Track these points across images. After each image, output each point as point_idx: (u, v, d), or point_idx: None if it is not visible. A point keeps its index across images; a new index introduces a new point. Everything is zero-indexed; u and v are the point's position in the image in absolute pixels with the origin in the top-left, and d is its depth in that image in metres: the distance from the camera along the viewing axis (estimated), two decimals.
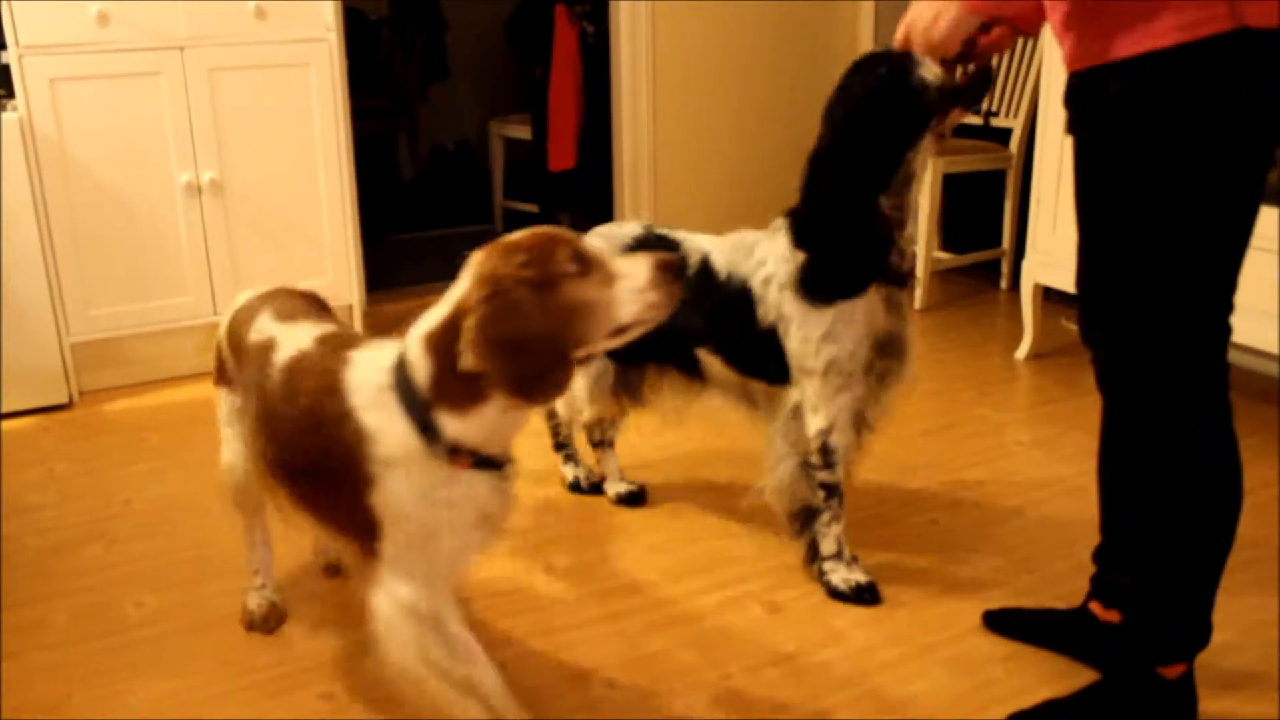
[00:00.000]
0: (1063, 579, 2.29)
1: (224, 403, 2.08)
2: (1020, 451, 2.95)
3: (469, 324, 1.49)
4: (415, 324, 1.60)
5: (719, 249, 2.26)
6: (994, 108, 4.28)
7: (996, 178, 4.25)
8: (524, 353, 1.48)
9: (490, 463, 1.60)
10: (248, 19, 3.41)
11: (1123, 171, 1.61)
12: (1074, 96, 1.69)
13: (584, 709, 1.94)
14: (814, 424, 2.17)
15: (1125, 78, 1.55)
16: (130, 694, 1.99)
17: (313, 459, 1.67)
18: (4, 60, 3.19)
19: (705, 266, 2.24)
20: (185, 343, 3.60)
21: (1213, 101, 1.51)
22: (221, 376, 2.07)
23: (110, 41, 3.26)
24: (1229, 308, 1.66)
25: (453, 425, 1.55)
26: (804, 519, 2.27)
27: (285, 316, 1.89)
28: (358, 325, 3.79)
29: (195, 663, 2.08)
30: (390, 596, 1.64)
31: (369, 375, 1.62)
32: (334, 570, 2.34)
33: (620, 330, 1.54)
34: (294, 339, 1.79)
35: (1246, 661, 2.02)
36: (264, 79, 3.49)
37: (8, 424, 3.23)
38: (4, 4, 3.11)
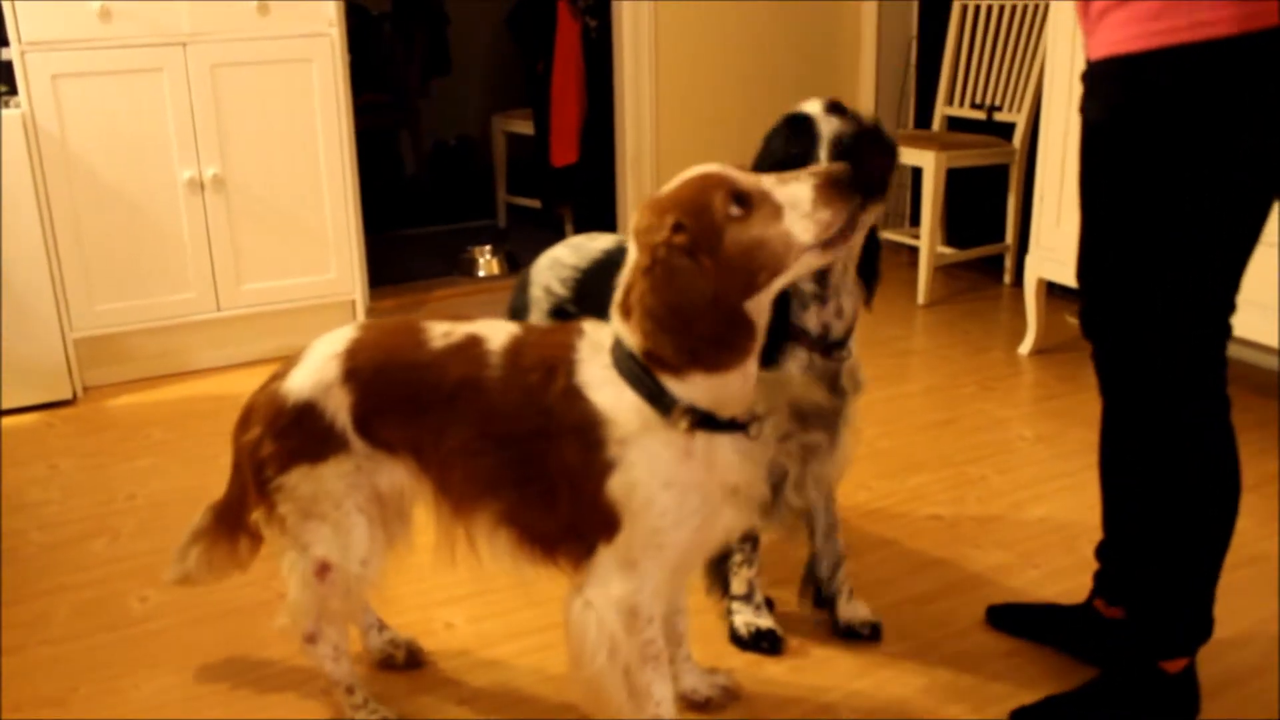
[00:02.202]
0: (1066, 574, 2.28)
1: (319, 480, 1.65)
2: (1023, 447, 2.94)
3: (632, 302, 1.42)
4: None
5: None
6: (997, 102, 4.27)
7: (1000, 172, 4.24)
8: (694, 322, 1.39)
9: (733, 424, 1.49)
10: (250, 15, 3.41)
11: (1149, 159, 1.58)
12: (1106, 81, 1.64)
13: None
14: None
15: (1176, 65, 1.52)
16: (134, 688, 2.00)
17: (534, 457, 1.52)
18: (6, 57, 3.19)
19: None
20: (188, 338, 3.60)
21: (1264, 96, 1.50)
22: (312, 447, 1.64)
23: (112, 38, 3.26)
24: (1232, 306, 1.66)
25: (679, 390, 1.45)
26: (720, 555, 2.14)
27: (458, 320, 1.68)
28: (360, 320, 3.79)
29: (198, 657, 2.08)
30: (604, 591, 1.53)
31: (592, 354, 1.51)
32: (390, 664, 2.05)
33: (803, 261, 1.42)
34: (497, 329, 1.62)
35: (1247, 658, 2.02)
36: (266, 75, 3.49)
37: (11, 420, 3.23)
38: (6, 1, 3.11)
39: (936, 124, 4.50)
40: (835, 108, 1.84)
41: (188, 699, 1.97)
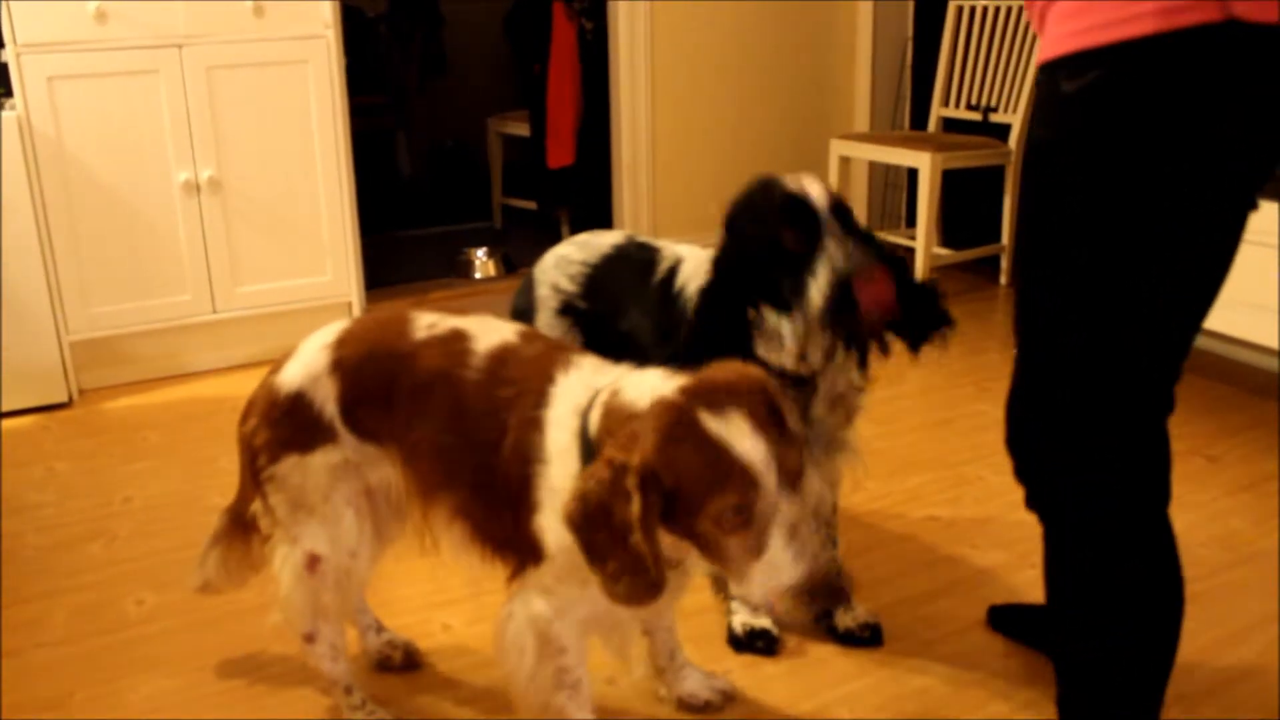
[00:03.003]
0: None
1: (307, 470, 1.65)
2: None
3: (573, 492, 1.33)
4: (619, 382, 1.44)
5: (693, 259, 2.05)
6: (993, 104, 4.28)
7: (995, 173, 4.25)
8: (609, 557, 1.31)
9: None
10: (246, 17, 3.41)
11: (1072, 186, 1.39)
12: (1037, 94, 1.48)
13: None
14: None
15: (1092, 69, 1.34)
16: (131, 691, 1.99)
17: (489, 465, 1.52)
18: (2, 59, 3.19)
19: (670, 275, 2.06)
20: (185, 340, 3.60)
21: (1190, 106, 1.30)
22: (301, 436, 1.65)
23: (108, 39, 3.25)
24: (1179, 372, 1.48)
25: None
26: None
27: (448, 313, 1.68)
28: None
29: (196, 660, 2.08)
30: (525, 607, 1.54)
31: (570, 393, 1.47)
32: (388, 665, 2.05)
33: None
34: (490, 329, 1.61)
35: (1246, 656, 2.02)
36: (262, 76, 3.48)
37: (8, 423, 3.23)
38: (2, 2, 3.10)
39: (932, 125, 4.50)
40: (839, 209, 1.74)
41: (185, 702, 1.97)
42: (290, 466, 1.66)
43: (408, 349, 1.61)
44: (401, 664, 2.03)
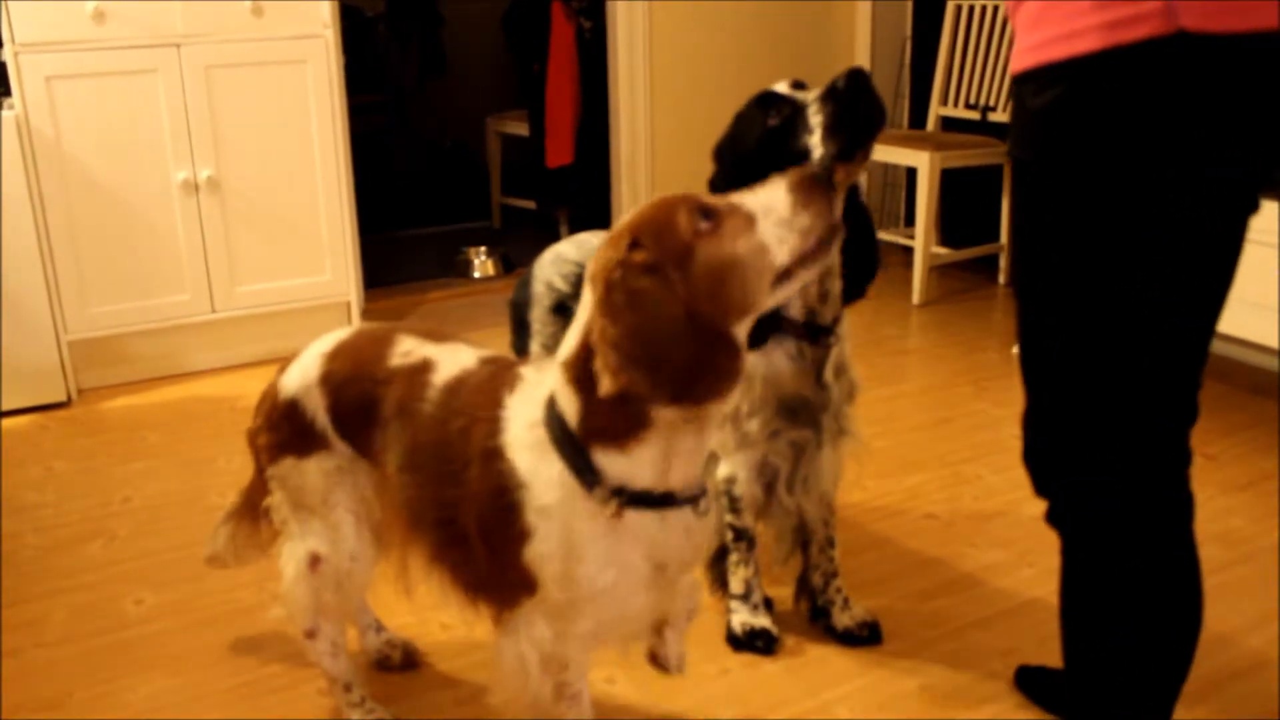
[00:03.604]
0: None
1: (304, 474, 1.67)
2: (1017, 446, 2.93)
3: (595, 338, 1.25)
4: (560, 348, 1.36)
5: None
6: (991, 103, 4.28)
7: (994, 172, 4.25)
8: (668, 349, 1.22)
9: (670, 499, 1.35)
10: (244, 16, 3.40)
11: (1051, 204, 1.37)
12: (1012, 108, 1.46)
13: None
14: (721, 469, 2.02)
15: (1054, 86, 1.31)
16: (130, 690, 1.99)
17: (451, 504, 1.46)
18: (0, 58, 3.19)
19: None
20: (183, 340, 3.60)
21: (1152, 118, 1.26)
22: (298, 441, 1.66)
23: (107, 39, 3.25)
24: (1199, 383, 1.43)
25: (615, 464, 1.31)
26: (718, 553, 2.15)
27: (434, 337, 1.63)
28: (357, 323, 3.79)
29: (195, 659, 2.08)
30: (528, 628, 1.46)
31: (522, 410, 1.38)
32: (387, 665, 2.05)
33: (786, 275, 1.27)
34: (455, 359, 1.55)
35: (1245, 654, 2.03)
36: (261, 76, 3.48)
37: (7, 422, 3.23)
38: (1, 2, 3.10)
39: (931, 124, 4.51)
40: (801, 85, 1.85)
41: (184, 701, 1.97)
42: (289, 468, 1.68)
43: (382, 376, 1.58)
44: (401, 663, 2.04)
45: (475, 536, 1.44)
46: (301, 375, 1.66)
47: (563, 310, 2.17)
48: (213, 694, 1.99)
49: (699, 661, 2.04)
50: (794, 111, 1.80)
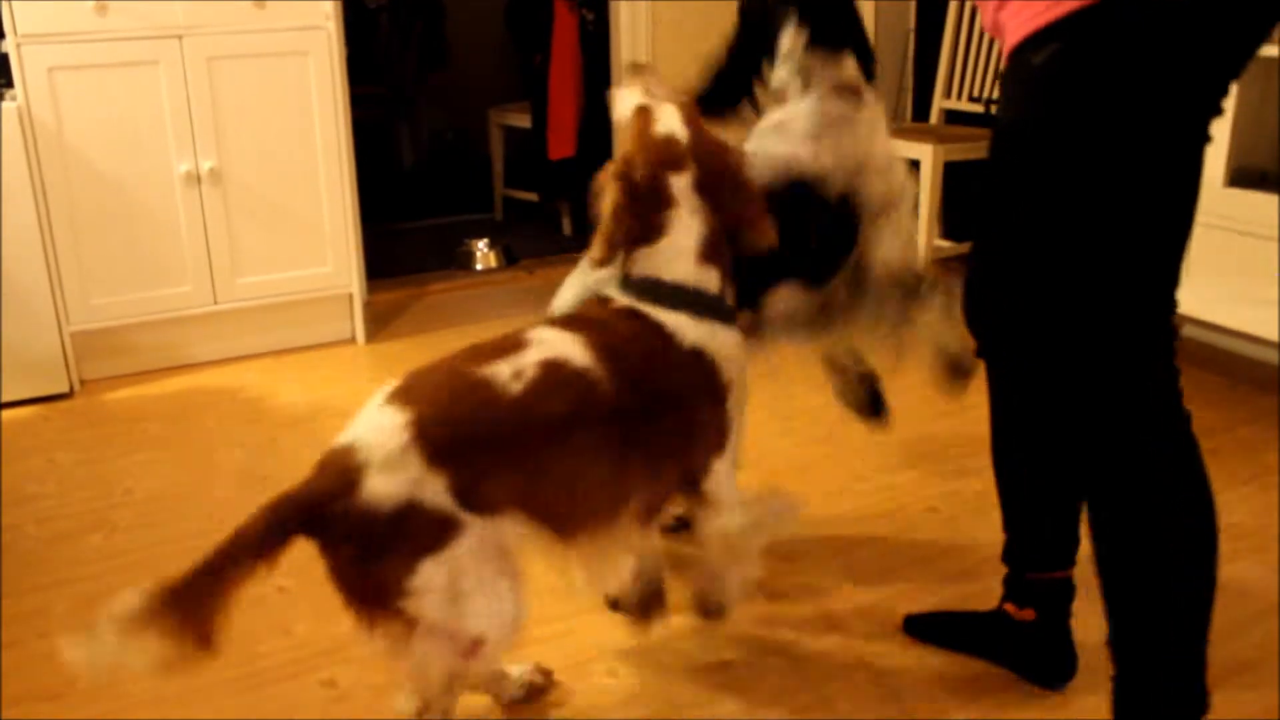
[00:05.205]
0: None
1: (450, 564, 1.50)
2: None
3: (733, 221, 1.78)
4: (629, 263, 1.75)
5: None
6: (995, 96, 4.27)
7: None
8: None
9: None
10: (246, 7, 3.40)
11: (1058, 155, 1.52)
12: (1006, 79, 1.62)
13: (586, 698, 1.94)
14: None
15: (1053, 41, 1.48)
16: (131, 681, 1.99)
17: (651, 429, 1.65)
18: (2, 49, 3.18)
19: None
20: (185, 332, 3.60)
21: (1125, 68, 1.44)
22: (427, 542, 1.49)
23: (109, 30, 3.25)
24: (1173, 302, 1.58)
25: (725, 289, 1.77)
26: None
27: (504, 348, 1.63)
28: (359, 314, 3.79)
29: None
30: (730, 507, 1.78)
31: (666, 316, 1.70)
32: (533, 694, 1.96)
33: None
34: (556, 343, 1.62)
35: (1245, 651, 2.03)
36: (263, 67, 3.48)
37: (8, 413, 3.23)
38: None
39: (934, 117, 4.50)
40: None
41: (185, 692, 1.97)
42: (430, 571, 1.49)
43: (514, 404, 1.54)
44: (544, 685, 1.96)
45: (681, 432, 1.69)
46: (398, 474, 1.47)
47: None
48: (214, 685, 1.99)
49: (700, 655, 2.04)
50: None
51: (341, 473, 1.48)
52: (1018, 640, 1.95)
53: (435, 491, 1.48)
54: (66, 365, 3.35)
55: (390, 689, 1.93)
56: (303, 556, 2.43)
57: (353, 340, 3.83)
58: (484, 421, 1.52)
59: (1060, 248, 1.56)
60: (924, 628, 2.10)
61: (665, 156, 1.74)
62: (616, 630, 2.12)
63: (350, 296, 3.80)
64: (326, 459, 1.52)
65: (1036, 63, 1.49)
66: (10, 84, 3.20)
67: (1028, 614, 1.93)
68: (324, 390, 3.38)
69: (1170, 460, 1.57)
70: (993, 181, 1.65)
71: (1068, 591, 1.90)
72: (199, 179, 3.46)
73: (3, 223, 3.16)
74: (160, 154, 3.41)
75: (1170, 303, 1.57)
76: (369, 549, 1.48)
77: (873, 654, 2.05)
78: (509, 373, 1.55)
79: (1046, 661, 1.93)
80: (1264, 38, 1.45)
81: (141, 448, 3.00)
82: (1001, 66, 1.66)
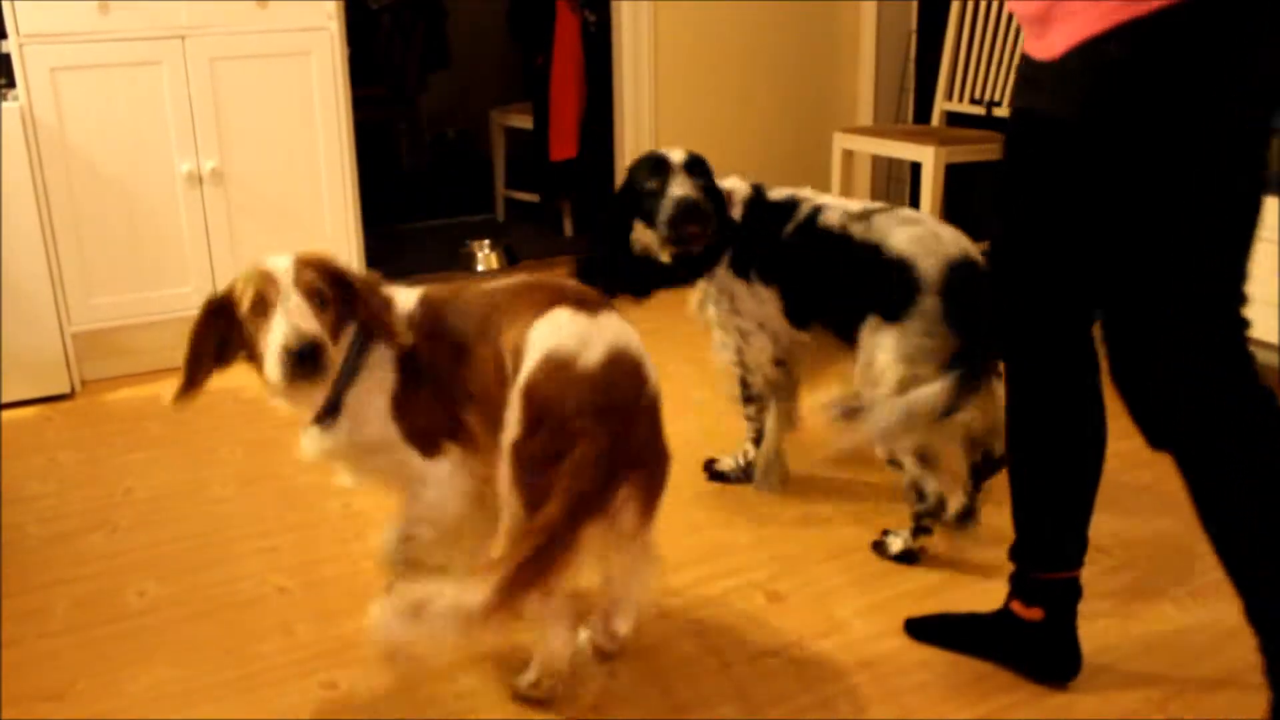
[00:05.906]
0: None
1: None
2: None
3: None
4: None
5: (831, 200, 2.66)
6: (997, 98, 4.27)
7: (999, 168, 4.23)
8: None
9: None
10: (249, 8, 3.40)
11: (1133, 149, 1.54)
12: (1075, 75, 1.57)
13: (585, 698, 1.94)
14: None
15: (1135, 41, 1.48)
16: (132, 681, 2.00)
17: None
18: (5, 49, 3.19)
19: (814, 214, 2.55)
20: (186, 332, 3.59)
21: (1207, 68, 1.46)
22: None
23: (111, 30, 3.25)
24: (1243, 297, 1.59)
25: None
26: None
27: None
28: None
29: (197, 650, 2.08)
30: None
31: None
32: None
33: None
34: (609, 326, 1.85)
35: (1246, 653, 2.02)
36: (265, 68, 3.48)
37: (9, 413, 3.23)
38: None
39: (935, 119, 4.49)
40: (694, 164, 2.47)
41: (185, 692, 1.97)
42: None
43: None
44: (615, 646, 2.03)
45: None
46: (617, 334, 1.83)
47: None
48: (214, 685, 1.99)
49: (702, 656, 2.04)
50: (663, 186, 2.42)
51: (628, 374, 1.77)
52: (1023, 639, 1.95)
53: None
54: (67, 365, 3.35)
55: (390, 690, 1.94)
56: (303, 556, 2.44)
57: None
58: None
59: (1139, 235, 1.57)
60: (926, 629, 2.09)
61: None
62: None
63: None
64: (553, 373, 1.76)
65: (1116, 57, 1.50)
66: (12, 84, 3.21)
67: (1035, 613, 1.92)
68: None
69: (1269, 433, 1.59)
70: (1041, 172, 1.67)
71: (1075, 592, 1.90)
72: (201, 179, 3.47)
73: (4, 223, 3.16)
74: (162, 154, 3.41)
75: (1242, 296, 1.58)
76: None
77: (874, 655, 2.04)
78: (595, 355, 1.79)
79: (1052, 660, 1.93)
80: None
81: (142, 447, 3.00)
82: (1014, 64, 1.71)
